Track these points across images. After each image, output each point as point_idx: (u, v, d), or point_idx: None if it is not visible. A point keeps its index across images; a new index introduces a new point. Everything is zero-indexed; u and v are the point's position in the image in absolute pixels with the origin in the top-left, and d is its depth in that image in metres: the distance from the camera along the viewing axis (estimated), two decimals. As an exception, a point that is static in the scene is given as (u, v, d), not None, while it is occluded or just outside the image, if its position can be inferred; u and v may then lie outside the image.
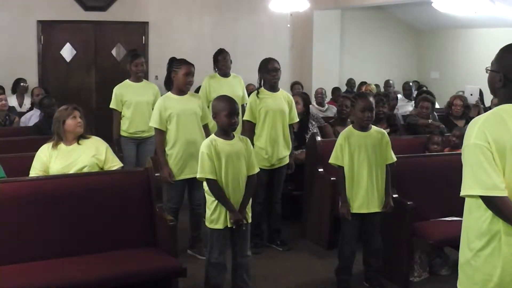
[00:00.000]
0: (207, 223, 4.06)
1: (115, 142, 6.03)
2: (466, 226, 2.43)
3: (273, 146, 5.25)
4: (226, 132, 4.03)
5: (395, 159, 4.45)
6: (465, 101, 7.03)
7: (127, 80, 6.24)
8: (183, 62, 5.07)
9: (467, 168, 2.33)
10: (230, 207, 3.94)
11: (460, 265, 2.47)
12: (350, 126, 4.47)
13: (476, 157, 2.29)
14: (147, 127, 5.77)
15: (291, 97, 5.54)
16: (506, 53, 2.44)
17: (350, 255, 4.46)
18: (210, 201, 4.01)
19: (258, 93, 5.28)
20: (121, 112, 6.10)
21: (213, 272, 4.08)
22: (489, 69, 2.48)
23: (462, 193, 2.36)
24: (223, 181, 3.95)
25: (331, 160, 4.42)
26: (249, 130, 5.25)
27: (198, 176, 4.01)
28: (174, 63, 5.15)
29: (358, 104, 4.34)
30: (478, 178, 2.28)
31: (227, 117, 3.97)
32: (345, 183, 4.33)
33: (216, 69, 6.45)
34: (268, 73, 5.27)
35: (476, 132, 2.31)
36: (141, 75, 6.24)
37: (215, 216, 3.99)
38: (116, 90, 6.18)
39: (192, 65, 5.08)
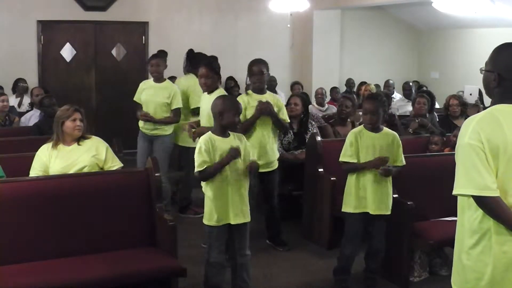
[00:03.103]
0: (204, 221, 4.05)
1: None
2: (459, 224, 2.46)
3: (261, 150, 5.08)
4: (224, 131, 4.04)
5: (404, 163, 4.42)
6: (460, 99, 7.05)
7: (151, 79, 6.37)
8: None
9: (460, 168, 2.36)
10: (224, 160, 3.93)
11: (453, 263, 2.50)
12: (362, 126, 4.46)
13: (469, 157, 2.31)
14: (156, 125, 6.09)
15: (278, 98, 5.35)
16: (499, 52, 2.45)
17: (351, 255, 4.45)
18: (208, 198, 4.01)
19: (247, 94, 5.16)
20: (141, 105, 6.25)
21: (212, 272, 4.07)
22: (484, 69, 2.49)
23: (454, 192, 2.39)
24: (221, 177, 3.96)
25: (342, 158, 4.38)
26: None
27: (195, 171, 3.97)
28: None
29: (363, 107, 4.46)
30: (470, 178, 2.30)
31: (235, 116, 4.01)
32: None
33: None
34: (252, 76, 5.14)
35: (470, 132, 2.32)
36: (155, 76, 6.25)
37: (213, 213, 3.99)
38: (141, 84, 6.38)
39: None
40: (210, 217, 4.01)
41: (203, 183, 4.05)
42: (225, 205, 3.98)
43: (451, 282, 2.52)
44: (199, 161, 3.92)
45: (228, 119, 4.00)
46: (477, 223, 2.35)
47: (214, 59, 5.29)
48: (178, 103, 6.11)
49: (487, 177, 2.28)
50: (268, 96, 5.20)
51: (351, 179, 4.40)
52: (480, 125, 2.32)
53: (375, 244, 4.46)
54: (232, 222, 4.01)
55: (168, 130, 6.20)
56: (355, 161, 4.32)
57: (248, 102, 5.09)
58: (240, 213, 4.03)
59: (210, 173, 3.94)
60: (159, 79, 6.22)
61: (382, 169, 4.24)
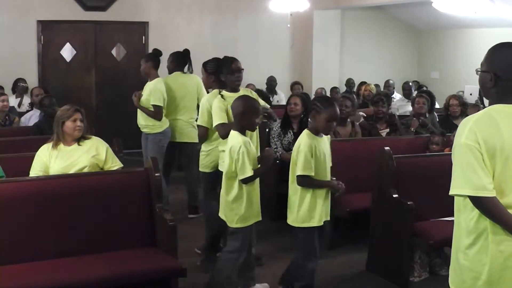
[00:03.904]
0: (237, 224, 4.05)
1: None
2: (456, 224, 2.48)
3: None
4: (244, 131, 4.08)
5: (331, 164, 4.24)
6: (460, 100, 7.05)
7: None
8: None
9: (457, 168, 2.36)
10: (261, 169, 4.05)
11: (451, 263, 2.51)
12: (308, 132, 4.03)
13: (466, 157, 2.31)
14: (142, 123, 6.28)
15: (251, 90, 5.14)
16: (494, 52, 2.45)
17: (314, 268, 4.18)
18: (241, 201, 4.02)
19: (222, 96, 4.78)
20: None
21: (234, 271, 4.16)
22: (479, 70, 2.49)
23: (451, 192, 2.40)
24: None
25: (306, 172, 3.93)
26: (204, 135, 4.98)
27: (245, 176, 3.93)
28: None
29: (325, 113, 3.96)
30: (467, 178, 2.30)
31: (257, 117, 4.09)
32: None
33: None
34: (232, 74, 4.82)
35: (467, 132, 2.33)
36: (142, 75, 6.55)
37: (246, 215, 4.05)
38: None
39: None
40: (244, 219, 4.05)
41: (236, 185, 4.01)
42: (254, 205, 4.07)
43: (449, 281, 2.53)
44: (249, 165, 3.93)
45: (250, 120, 4.03)
46: (473, 223, 2.36)
47: (222, 59, 5.29)
48: (154, 100, 6.17)
49: (484, 177, 2.28)
50: (244, 92, 4.91)
51: (306, 192, 3.99)
52: (477, 125, 2.33)
53: (320, 249, 4.22)
54: (258, 219, 4.14)
55: (155, 128, 6.24)
56: (313, 173, 3.97)
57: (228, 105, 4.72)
58: (259, 210, 4.17)
59: (256, 177, 4.01)
60: (147, 77, 6.40)
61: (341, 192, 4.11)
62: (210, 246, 5.02)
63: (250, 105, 4.05)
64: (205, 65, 5.32)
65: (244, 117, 4.02)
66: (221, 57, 5.28)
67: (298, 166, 3.95)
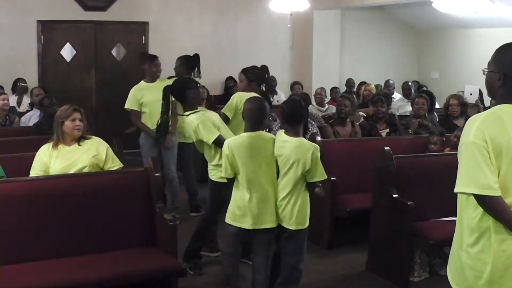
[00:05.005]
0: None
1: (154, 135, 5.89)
2: (458, 222, 2.48)
3: None
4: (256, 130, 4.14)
5: None
6: (460, 99, 7.04)
7: (142, 81, 6.29)
8: None
9: (463, 166, 2.36)
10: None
11: (451, 261, 2.52)
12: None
13: (473, 155, 2.31)
14: None
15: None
16: (503, 51, 2.45)
17: None
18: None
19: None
20: (140, 111, 6.16)
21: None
22: (486, 70, 2.49)
23: (456, 190, 2.39)
24: None
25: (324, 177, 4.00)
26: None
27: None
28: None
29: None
30: (473, 177, 2.30)
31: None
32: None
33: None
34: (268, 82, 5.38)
35: (474, 131, 2.33)
36: (158, 75, 6.35)
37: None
38: (133, 91, 6.22)
39: None
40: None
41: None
42: None
43: (449, 279, 2.53)
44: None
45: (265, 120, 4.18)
46: (476, 222, 2.36)
47: (259, 67, 5.56)
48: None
49: (490, 176, 2.28)
50: None
51: (306, 196, 4.01)
52: (484, 124, 2.33)
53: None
54: None
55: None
56: None
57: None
58: None
59: None
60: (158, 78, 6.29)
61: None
62: (196, 252, 4.86)
63: (264, 104, 4.13)
64: (246, 72, 5.49)
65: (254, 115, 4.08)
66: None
67: (322, 172, 3.92)
